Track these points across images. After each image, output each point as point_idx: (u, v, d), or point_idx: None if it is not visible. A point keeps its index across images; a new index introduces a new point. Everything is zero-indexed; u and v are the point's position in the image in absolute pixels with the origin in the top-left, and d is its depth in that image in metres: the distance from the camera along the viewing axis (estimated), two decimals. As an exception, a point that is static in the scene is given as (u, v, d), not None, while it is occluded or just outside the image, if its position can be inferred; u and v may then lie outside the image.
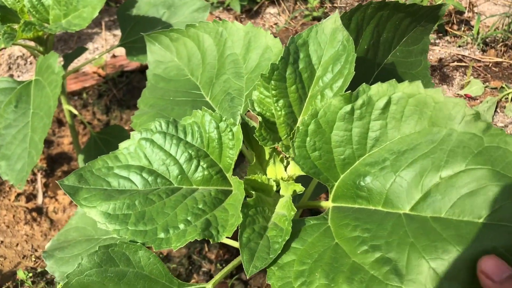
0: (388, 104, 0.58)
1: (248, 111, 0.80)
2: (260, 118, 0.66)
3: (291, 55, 0.65)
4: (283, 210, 0.61)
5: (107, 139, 1.32)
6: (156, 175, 0.65)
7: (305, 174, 0.63)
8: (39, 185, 1.60)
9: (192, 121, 0.67)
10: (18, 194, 1.57)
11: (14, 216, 1.51)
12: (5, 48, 2.32)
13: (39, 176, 1.62)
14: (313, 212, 1.43)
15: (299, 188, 0.64)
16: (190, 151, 0.66)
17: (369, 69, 0.79)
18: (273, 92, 0.66)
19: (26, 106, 1.12)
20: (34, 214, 1.52)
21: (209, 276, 1.34)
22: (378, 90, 0.58)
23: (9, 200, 1.56)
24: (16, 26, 1.15)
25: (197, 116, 0.66)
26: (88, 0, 1.13)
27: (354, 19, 0.72)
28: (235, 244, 0.78)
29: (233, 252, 1.39)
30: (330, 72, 0.66)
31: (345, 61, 0.64)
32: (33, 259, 1.40)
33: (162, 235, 0.59)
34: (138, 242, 0.59)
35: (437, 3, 2.22)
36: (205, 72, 0.87)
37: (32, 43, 1.30)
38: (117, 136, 1.32)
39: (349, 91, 0.59)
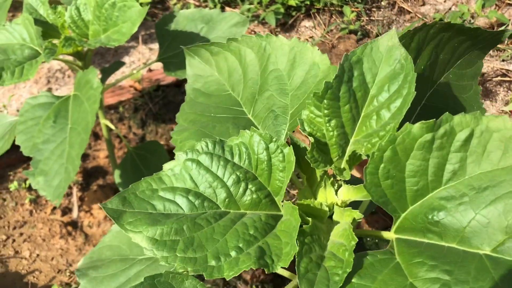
0: (470, 136, 0.55)
1: (294, 130, 0.76)
2: (311, 139, 0.62)
3: (346, 73, 0.62)
4: (341, 239, 0.57)
5: (143, 155, 1.30)
6: (203, 198, 0.62)
7: (358, 200, 0.59)
8: (74, 199, 1.60)
9: (239, 141, 0.63)
10: (54, 208, 1.57)
11: (50, 229, 1.51)
12: (44, 62, 2.37)
13: (74, 189, 1.62)
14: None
15: (358, 215, 0.60)
16: (238, 173, 0.62)
17: (423, 89, 0.75)
18: (325, 111, 0.62)
19: (64, 122, 1.11)
20: (69, 228, 1.52)
21: (245, 297, 1.30)
22: (461, 121, 0.55)
23: (45, 213, 1.56)
24: (56, 41, 1.15)
25: (244, 137, 0.63)
26: (128, 16, 1.12)
27: (416, 38, 0.69)
28: (284, 273, 0.74)
29: (269, 274, 1.35)
30: (386, 91, 0.62)
31: (404, 80, 0.60)
32: (68, 274, 1.39)
33: (213, 262, 0.56)
34: (185, 272, 0.56)
35: (480, 16, 2.15)
36: (247, 88, 0.84)
37: (71, 58, 1.31)
38: (154, 152, 1.30)
39: (433, 119, 0.55)
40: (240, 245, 0.57)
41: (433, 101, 0.74)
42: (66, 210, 1.57)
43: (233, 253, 0.57)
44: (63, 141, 1.08)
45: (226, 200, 0.62)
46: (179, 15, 1.31)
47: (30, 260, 1.43)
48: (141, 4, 2.45)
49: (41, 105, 1.15)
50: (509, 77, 2.02)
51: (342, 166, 0.65)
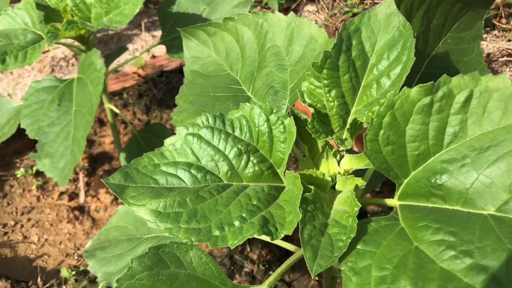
0: (469, 97, 0.55)
1: (294, 104, 0.76)
2: (312, 110, 0.62)
3: (344, 42, 0.62)
4: (344, 206, 0.57)
5: (148, 138, 1.31)
6: (205, 171, 0.62)
7: (361, 168, 0.59)
8: (81, 184, 1.61)
9: (240, 114, 0.63)
10: (61, 193, 1.59)
11: (57, 214, 1.53)
12: (48, 51, 2.37)
13: (81, 175, 1.64)
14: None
15: (361, 182, 0.60)
16: (239, 146, 0.63)
17: (420, 57, 0.74)
18: (325, 82, 0.62)
19: (69, 104, 1.12)
20: (77, 212, 1.53)
21: (251, 277, 1.32)
22: (459, 82, 0.55)
23: (53, 198, 1.57)
24: (59, 25, 1.16)
25: (245, 110, 0.63)
26: (129, -3, 1.12)
27: (403, 5, 0.68)
28: (279, 243, 0.74)
29: (276, 253, 1.36)
30: (385, 59, 0.62)
31: (403, 47, 0.60)
32: (76, 257, 1.40)
33: (217, 232, 0.56)
34: (189, 242, 0.56)
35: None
36: (245, 66, 0.84)
37: (74, 43, 1.31)
38: (159, 135, 1.30)
39: (431, 82, 0.55)
40: (244, 215, 0.57)
41: (433, 67, 0.73)
42: (73, 195, 1.59)
43: (236, 223, 0.57)
44: (68, 124, 1.09)
45: (229, 173, 0.63)
46: (181, -2, 1.31)
47: (39, 245, 1.44)
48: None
49: (45, 88, 1.15)
50: (515, 57, 2.01)
51: (344, 137, 0.65)
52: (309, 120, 0.63)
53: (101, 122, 1.83)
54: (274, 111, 0.62)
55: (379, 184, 1.24)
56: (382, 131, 0.57)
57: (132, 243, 0.99)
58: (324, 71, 0.62)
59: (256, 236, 0.55)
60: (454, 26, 0.76)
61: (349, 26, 0.62)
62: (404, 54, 0.60)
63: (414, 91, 0.55)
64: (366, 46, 0.62)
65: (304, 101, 0.64)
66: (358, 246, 0.55)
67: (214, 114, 0.64)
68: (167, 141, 0.64)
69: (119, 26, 1.09)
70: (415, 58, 0.60)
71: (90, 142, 1.76)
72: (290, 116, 0.63)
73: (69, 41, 1.61)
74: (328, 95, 0.63)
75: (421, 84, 0.55)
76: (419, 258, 0.52)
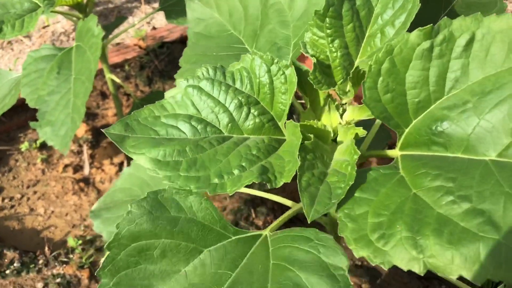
0: (471, 40, 0.52)
1: (297, 60, 0.75)
2: (314, 60, 0.60)
3: (347, -11, 0.59)
4: (344, 155, 0.56)
5: (150, 106, 1.29)
6: (205, 123, 0.61)
7: (365, 119, 0.58)
8: (85, 156, 1.60)
9: (240, 66, 0.62)
10: (66, 166, 1.58)
11: (62, 187, 1.53)
12: (48, 25, 2.34)
13: (85, 147, 1.63)
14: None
15: (361, 131, 0.58)
16: (240, 98, 0.61)
17: (434, 12, 0.72)
18: (328, 31, 0.61)
19: (68, 72, 1.10)
20: (82, 184, 1.53)
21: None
22: (460, 25, 0.52)
23: (57, 171, 1.57)
24: (56, -7, 1.14)
25: (246, 61, 0.62)
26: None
27: None
28: (286, 202, 0.74)
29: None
30: (390, 8, 0.60)
31: (408, -6, 0.58)
32: (82, 228, 1.41)
33: (216, 180, 0.55)
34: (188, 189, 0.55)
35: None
36: (248, 25, 0.82)
37: (72, 12, 1.29)
38: (160, 102, 1.29)
39: (430, 24, 0.52)
40: (243, 164, 0.56)
41: None
42: (78, 168, 1.58)
43: (236, 171, 0.56)
44: (67, 91, 1.07)
45: (229, 125, 0.62)
46: (179, -38, 1.28)
47: (45, 217, 1.45)
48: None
49: (44, 57, 1.14)
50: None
51: (347, 89, 0.63)
52: (311, 71, 0.61)
53: (103, 95, 1.82)
54: (275, 61, 0.60)
55: (385, 145, 1.23)
56: (381, 78, 0.55)
57: None
58: (327, 19, 0.60)
59: (255, 181, 0.54)
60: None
61: (353, -27, 0.59)
62: (409, 2, 0.58)
63: (413, 35, 0.53)
64: (371, -6, 0.60)
65: (307, 52, 0.62)
66: (356, 194, 0.54)
67: (214, 66, 0.62)
68: (168, 94, 0.63)
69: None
70: (420, 5, 0.57)
71: (93, 115, 1.75)
72: (291, 66, 0.61)
73: (70, 11, 1.59)
74: (331, 45, 0.61)
75: (420, 28, 0.53)
76: (417, 204, 0.51)
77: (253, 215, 1.38)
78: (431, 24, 0.53)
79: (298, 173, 0.53)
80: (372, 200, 0.52)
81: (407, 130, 0.57)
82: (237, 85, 0.62)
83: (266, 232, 0.58)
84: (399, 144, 0.58)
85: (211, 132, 0.60)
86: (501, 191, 0.48)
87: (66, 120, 1.04)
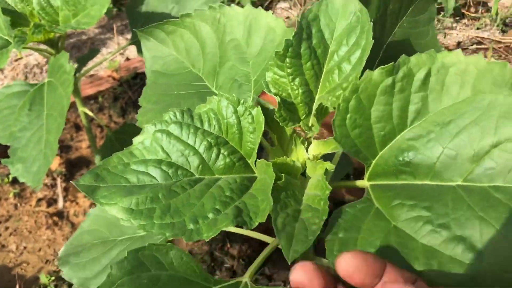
0: (428, 75, 0.56)
1: (259, 96, 0.77)
2: (278, 99, 0.63)
3: (304, 30, 0.62)
4: (316, 190, 0.58)
5: (123, 138, 1.30)
6: (176, 167, 0.61)
7: (329, 152, 0.60)
8: (59, 190, 1.60)
9: (207, 108, 0.63)
10: (39, 199, 1.57)
11: (35, 221, 1.51)
12: (20, 58, 2.34)
13: (58, 180, 1.62)
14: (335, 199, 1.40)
15: (330, 166, 0.61)
16: (209, 139, 0.63)
17: (378, 43, 0.76)
18: (289, 70, 0.63)
19: (40, 108, 1.11)
20: (55, 218, 1.52)
21: (232, 272, 1.32)
22: (417, 61, 0.56)
23: (31, 205, 1.56)
24: (26, 30, 1.15)
25: (212, 103, 0.63)
26: (96, -1, 1.12)
27: None
28: (259, 237, 0.75)
29: (255, 247, 1.37)
30: (345, 45, 0.63)
31: (361, 31, 0.61)
32: (55, 263, 1.39)
33: (191, 226, 0.56)
34: (164, 237, 0.56)
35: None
36: (207, 62, 0.83)
37: (44, 47, 1.30)
38: (133, 135, 1.28)
39: (392, 63, 0.56)
40: (217, 207, 0.57)
41: (391, 52, 0.75)
42: (51, 201, 1.57)
43: (210, 215, 0.57)
44: (40, 128, 1.08)
45: (200, 166, 0.63)
46: (149, -3, 1.31)
47: (17, 253, 1.43)
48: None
49: (16, 93, 1.14)
50: (485, 44, 2.05)
51: (310, 123, 0.66)
52: (276, 109, 0.63)
53: (77, 127, 1.82)
54: (242, 102, 0.62)
55: (350, 170, 1.26)
56: (349, 115, 0.58)
57: (106, 246, 0.97)
58: (287, 59, 0.63)
59: (231, 226, 0.55)
60: (409, 10, 0.78)
61: (308, 15, 0.63)
62: (363, 38, 0.61)
63: (376, 73, 0.57)
64: (326, 33, 0.63)
65: (270, 91, 0.64)
66: (340, 235, 0.55)
67: (181, 109, 0.64)
68: (136, 140, 0.64)
69: (87, 27, 1.08)
70: (373, 41, 0.61)
71: (67, 148, 1.74)
72: (257, 106, 0.63)
73: (41, 46, 1.60)
74: (292, 83, 0.64)
75: (382, 66, 0.56)
76: (400, 238, 0.52)
77: (228, 245, 1.39)
78: (392, 63, 0.56)
79: (272, 215, 0.54)
80: (357, 238, 0.53)
81: (374, 161, 0.59)
82: (205, 126, 0.63)
83: (245, 279, 0.59)
84: (367, 175, 0.60)
85: (183, 175, 0.61)
86: (475, 216, 0.51)
87: (39, 157, 1.04)
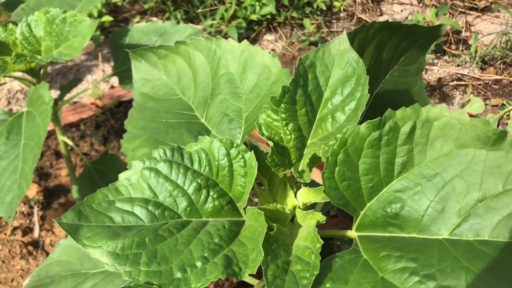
0: (413, 128, 0.57)
1: (249, 133, 0.76)
2: (271, 143, 0.62)
3: (301, 76, 0.62)
4: (306, 242, 0.57)
5: (101, 169, 1.28)
6: (163, 208, 0.59)
7: (319, 201, 0.59)
8: (35, 218, 1.55)
9: (199, 147, 0.62)
10: (15, 228, 1.52)
11: (9, 250, 1.46)
12: (4, 83, 2.29)
13: (35, 209, 1.57)
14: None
15: (321, 218, 0.60)
16: (198, 181, 0.61)
17: (369, 88, 0.77)
18: (283, 115, 0.63)
19: (18, 138, 1.08)
20: (30, 248, 1.47)
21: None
22: (403, 115, 0.57)
23: (5, 234, 1.50)
24: (8, 59, 1.12)
25: (204, 143, 0.62)
26: (79, 30, 1.11)
27: (357, 39, 0.70)
28: (249, 280, 0.73)
29: (247, 285, 1.34)
30: (339, 94, 0.63)
31: (356, 83, 0.61)
32: (29, 298, 1.33)
33: (179, 275, 0.54)
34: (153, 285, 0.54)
35: (434, 23, 2.21)
36: (198, 92, 0.82)
37: (26, 76, 1.27)
38: (112, 166, 1.28)
39: (378, 118, 0.57)
40: (206, 254, 0.55)
41: (380, 99, 0.76)
42: (27, 230, 1.52)
43: (199, 264, 0.55)
44: (16, 157, 1.05)
45: (188, 208, 0.61)
46: (133, 29, 1.31)
47: (-11, 285, 1.37)
48: (103, 23, 2.43)
49: (-6, 123, 1.11)
50: (464, 81, 2.09)
51: (301, 169, 0.65)
52: (268, 153, 0.62)
53: (57, 155, 1.78)
54: (235, 145, 0.61)
55: (329, 211, 1.25)
56: (337, 168, 0.58)
57: (78, 278, 0.92)
58: (282, 105, 0.62)
59: (221, 277, 0.53)
60: (400, 60, 0.80)
61: (305, 61, 0.62)
62: (358, 91, 0.61)
63: (363, 127, 0.57)
64: (321, 80, 0.63)
65: (262, 134, 0.63)
66: (327, 285, 0.55)
67: (172, 147, 0.62)
68: (122, 176, 0.61)
69: (68, 59, 1.07)
70: (368, 95, 0.61)
71: (46, 175, 1.70)
72: (251, 151, 0.62)
73: (24, 75, 1.57)
74: (285, 128, 0.63)
75: (369, 120, 0.57)
76: None
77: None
78: (379, 118, 0.57)
79: (263, 266, 0.53)
80: None
81: (362, 212, 0.59)
82: (196, 166, 0.62)
83: None
84: (355, 226, 0.60)
85: (169, 217, 0.59)
86: (460, 266, 0.52)
87: (13, 187, 1.01)
